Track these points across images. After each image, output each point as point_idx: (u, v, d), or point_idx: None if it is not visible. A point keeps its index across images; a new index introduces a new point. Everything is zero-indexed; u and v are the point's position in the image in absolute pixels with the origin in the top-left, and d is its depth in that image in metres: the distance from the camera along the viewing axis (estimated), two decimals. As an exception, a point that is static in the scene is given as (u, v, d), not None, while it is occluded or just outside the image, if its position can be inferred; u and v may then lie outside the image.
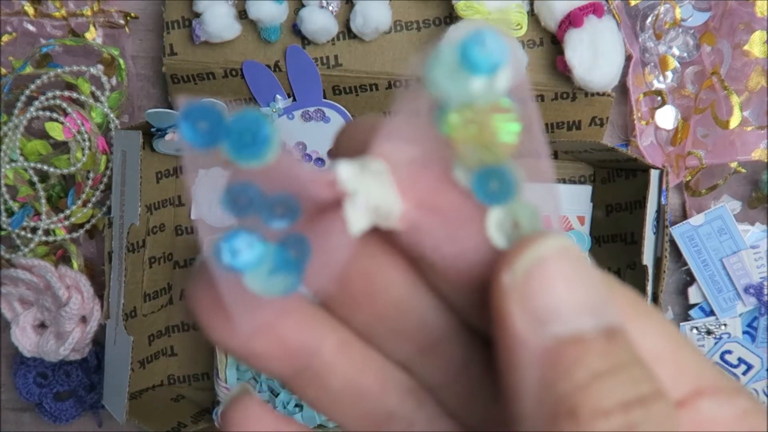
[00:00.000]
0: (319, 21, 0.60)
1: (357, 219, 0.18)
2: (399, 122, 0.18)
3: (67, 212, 0.62)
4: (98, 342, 0.64)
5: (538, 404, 0.17)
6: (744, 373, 0.65)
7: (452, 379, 0.22)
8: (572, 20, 0.60)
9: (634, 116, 0.65)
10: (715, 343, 0.65)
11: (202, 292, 0.21)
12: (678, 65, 0.65)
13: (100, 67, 0.63)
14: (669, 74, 0.65)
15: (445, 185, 0.19)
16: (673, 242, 0.65)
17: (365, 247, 0.20)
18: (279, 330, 0.21)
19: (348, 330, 0.22)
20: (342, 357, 0.22)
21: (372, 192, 0.18)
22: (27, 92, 0.61)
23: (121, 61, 0.63)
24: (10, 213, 0.62)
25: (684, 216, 0.66)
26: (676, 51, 0.65)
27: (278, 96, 0.62)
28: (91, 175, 0.62)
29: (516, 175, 0.18)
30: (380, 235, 0.20)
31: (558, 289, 0.17)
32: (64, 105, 0.61)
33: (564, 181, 0.66)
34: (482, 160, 0.18)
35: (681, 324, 0.66)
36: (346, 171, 0.18)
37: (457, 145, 0.18)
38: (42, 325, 0.64)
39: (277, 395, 0.61)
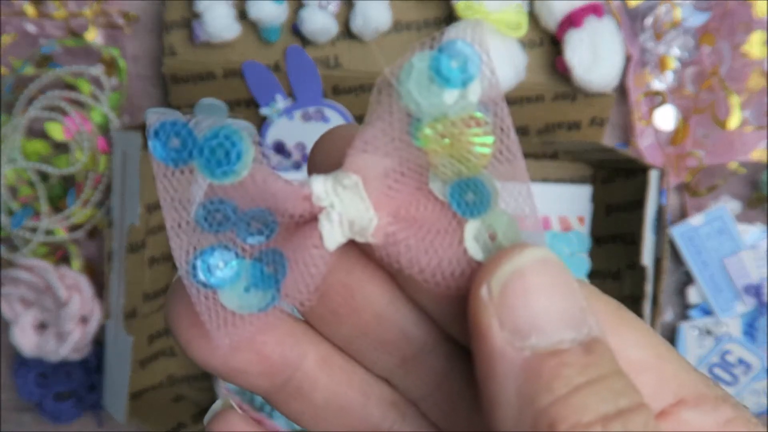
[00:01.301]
0: (319, 21, 0.60)
1: (332, 233, 0.18)
2: (373, 134, 0.18)
3: (67, 212, 0.62)
4: (98, 342, 0.64)
5: (518, 417, 0.16)
6: (744, 374, 0.65)
7: (434, 391, 0.22)
8: (572, 20, 0.60)
9: (634, 116, 0.65)
10: (715, 344, 0.65)
11: (180, 309, 0.21)
12: (678, 65, 0.65)
13: (100, 67, 0.63)
14: (669, 74, 0.65)
15: (420, 197, 0.19)
16: (672, 242, 0.65)
17: (344, 261, 0.20)
18: (259, 345, 0.21)
19: (329, 344, 0.22)
20: (324, 371, 0.22)
21: (347, 206, 0.18)
22: (27, 92, 0.61)
23: (121, 61, 0.63)
24: (11, 213, 0.62)
25: (684, 216, 0.66)
26: (676, 51, 0.65)
27: (278, 96, 0.62)
28: (91, 175, 0.62)
29: (491, 187, 0.18)
30: (359, 249, 0.20)
31: (536, 302, 0.17)
32: (64, 105, 0.61)
33: (564, 181, 0.66)
34: (457, 171, 0.18)
35: (680, 324, 0.66)
36: (320, 186, 0.18)
37: (432, 157, 0.18)
38: (42, 325, 0.64)
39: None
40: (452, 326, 0.20)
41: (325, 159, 0.20)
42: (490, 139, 0.17)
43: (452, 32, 0.17)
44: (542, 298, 0.17)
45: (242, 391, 0.62)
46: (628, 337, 0.19)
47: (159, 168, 0.18)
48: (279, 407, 0.22)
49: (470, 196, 0.18)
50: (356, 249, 0.20)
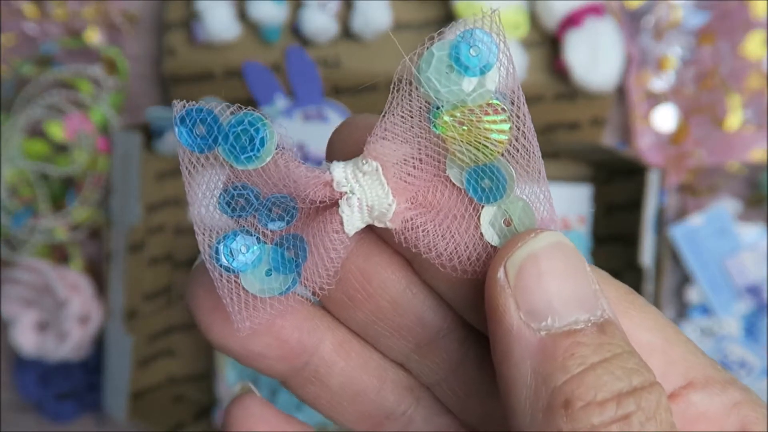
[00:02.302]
0: (319, 21, 0.60)
1: (352, 218, 0.19)
2: (393, 121, 0.18)
3: (67, 212, 0.62)
4: (98, 342, 0.64)
5: (534, 396, 0.17)
6: (744, 374, 0.65)
7: (448, 376, 0.22)
8: (572, 20, 0.60)
9: (634, 116, 0.65)
10: (715, 344, 0.65)
11: (201, 294, 0.21)
12: (678, 65, 0.65)
13: (100, 67, 0.63)
14: (669, 74, 0.65)
15: (438, 183, 0.19)
16: (672, 242, 0.65)
17: (361, 247, 0.21)
18: (278, 330, 0.21)
19: (346, 329, 0.22)
20: (341, 356, 0.22)
21: (366, 192, 0.19)
22: (27, 92, 0.61)
23: (121, 61, 0.63)
24: (11, 213, 0.62)
25: (684, 216, 0.66)
26: (676, 51, 0.65)
27: (278, 96, 0.62)
28: (91, 175, 0.62)
29: (507, 173, 0.18)
30: (376, 235, 0.21)
31: (550, 284, 0.18)
32: (64, 105, 0.61)
33: (564, 181, 0.66)
34: (474, 158, 0.18)
35: (680, 324, 0.66)
36: (340, 172, 0.19)
37: (450, 143, 0.18)
38: (42, 325, 0.64)
39: (276, 396, 0.61)
40: (468, 311, 0.20)
41: (344, 146, 0.20)
42: (506, 126, 0.17)
43: (470, 22, 0.17)
44: (556, 280, 0.18)
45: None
46: (638, 321, 0.20)
47: (184, 154, 0.18)
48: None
49: (486, 182, 0.18)
50: (373, 235, 0.21)
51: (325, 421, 0.61)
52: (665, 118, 0.65)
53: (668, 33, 0.64)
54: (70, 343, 0.61)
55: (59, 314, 0.61)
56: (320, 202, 0.19)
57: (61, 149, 0.63)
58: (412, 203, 0.19)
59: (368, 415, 0.23)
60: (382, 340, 0.22)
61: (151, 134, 0.61)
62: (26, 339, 0.63)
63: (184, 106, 0.18)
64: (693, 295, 0.66)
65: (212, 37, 0.60)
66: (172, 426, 0.63)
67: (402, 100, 0.18)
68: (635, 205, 0.60)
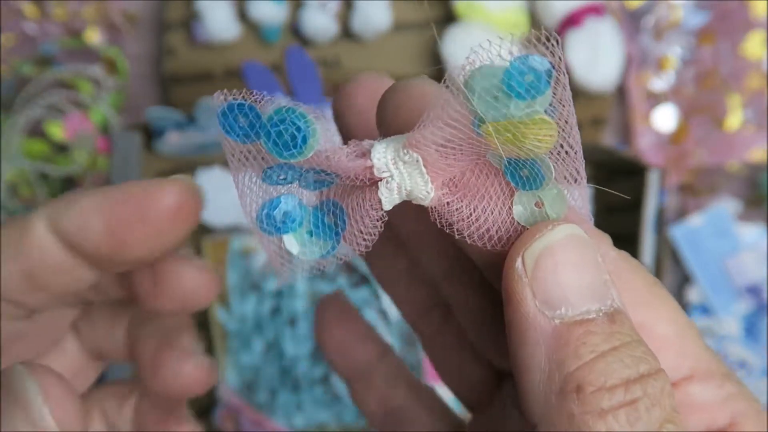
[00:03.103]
0: (319, 21, 0.60)
1: (391, 199, 0.19)
2: (437, 114, 0.18)
3: (67, 212, 0.62)
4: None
5: (548, 380, 0.18)
6: (744, 374, 0.65)
7: (468, 300, 0.25)
8: (572, 20, 0.60)
9: (634, 116, 0.65)
10: (715, 344, 0.65)
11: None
12: (678, 65, 0.65)
13: (100, 67, 0.63)
14: (669, 74, 0.65)
15: (476, 165, 0.20)
16: (672, 242, 0.65)
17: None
18: None
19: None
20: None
21: (406, 179, 0.19)
22: (27, 92, 0.61)
23: (121, 61, 0.63)
24: (11, 213, 0.62)
25: (684, 216, 0.66)
26: (676, 51, 0.65)
27: (278, 96, 0.62)
28: (91, 175, 0.62)
29: (547, 170, 0.19)
30: None
31: (565, 276, 0.19)
32: (64, 105, 0.61)
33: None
34: (516, 156, 0.19)
35: (681, 324, 0.66)
36: (381, 159, 0.19)
37: (492, 144, 0.18)
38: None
39: (276, 396, 0.61)
40: (495, 279, 0.21)
41: (394, 115, 0.21)
42: (551, 137, 0.18)
43: (526, 44, 0.17)
44: (571, 272, 0.19)
45: (242, 392, 0.62)
46: (656, 312, 0.21)
47: (227, 143, 0.18)
48: None
49: (525, 172, 0.19)
50: None
51: (325, 421, 0.61)
52: (665, 118, 0.65)
53: (668, 33, 0.64)
54: (70, 343, 0.61)
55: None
56: (361, 180, 0.19)
57: (61, 149, 0.63)
58: (449, 188, 0.20)
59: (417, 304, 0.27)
60: (424, 254, 0.25)
61: (151, 134, 0.61)
62: (26, 339, 0.63)
63: (226, 100, 0.18)
64: (693, 295, 0.66)
65: (212, 37, 0.60)
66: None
67: (444, 110, 0.18)
68: (635, 205, 0.60)
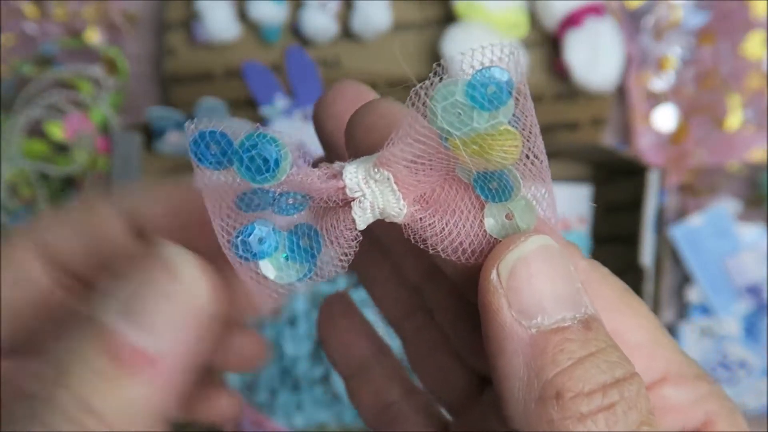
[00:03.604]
0: (319, 21, 0.60)
1: (364, 218, 0.20)
2: (405, 131, 0.19)
3: (67, 212, 0.62)
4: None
5: (527, 388, 0.18)
6: (744, 374, 0.65)
7: (446, 305, 0.25)
8: (572, 20, 0.60)
9: (634, 116, 0.65)
10: (715, 344, 0.65)
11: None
12: (678, 65, 0.65)
13: (100, 67, 0.63)
14: (669, 74, 0.65)
15: (445, 182, 0.20)
16: (672, 242, 0.65)
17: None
18: None
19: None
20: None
21: (377, 197, 0.20)
22: (27, 92, 0.61)
23: (121, 61, 0.63)
24: (10, 213, 0.62)
25: (684, 216, 0.66)
26: (676, 51, 0.65)
27: (278, 96, 0.62)
28: (91, 175, 0.62)
29: (515, 180, 0.19)
30: None
31: (539, 285, 0.19)
32: (64, 105, 0.61)
33: (564, 181, 0.66)
34: (483, 167, 0.19)
35: (680, 324, 0.66)
36: (352, 179, 0.19)
37: (460, 157, 0.18)
38: (42, 325, 0.64)
39: (276, 396, 0.61)
40: (469, 292, 0.21)
41: (363, 135, 0.21)
42: (516, 147, 0.18)
43: (486, 58, 0.17)
44: (545, 281, 0.19)
45: (242, 392, 0.62)
46: (627, 318, 0.21)
47: (200, 170, 0.19)
48: None
49: (494, 184, 0.19)
50: None
51: (325, 421, 0.61)
52: (665, 118, 0.65)
53: (668, 33, 0.64)
54: (70, 343, 0.61)
55: (59, 314, 0.61)
56: (333, 202, 0.20)
57: (61, 149, 0.63)
58: (420, 204, 0.20)
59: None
60: (404, 260, 0.26)
61: (151, 134, 0.61)
62: (26, 339, 0.63)
63: (197, 128, 0.18)
64: (693, 295, 0.66)
65: (212, 37, 0.60)
66: (172, 426, 0.63)
67: (411, 127, 0.18)
68: (635, 205, 0.60)
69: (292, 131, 0.63)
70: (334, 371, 0.60)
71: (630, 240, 0.61)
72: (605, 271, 0.22)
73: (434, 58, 0.62)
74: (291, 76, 0.62)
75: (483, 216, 0.20)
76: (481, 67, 0.17)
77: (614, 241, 0.63)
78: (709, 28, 0.64)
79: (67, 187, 0.64)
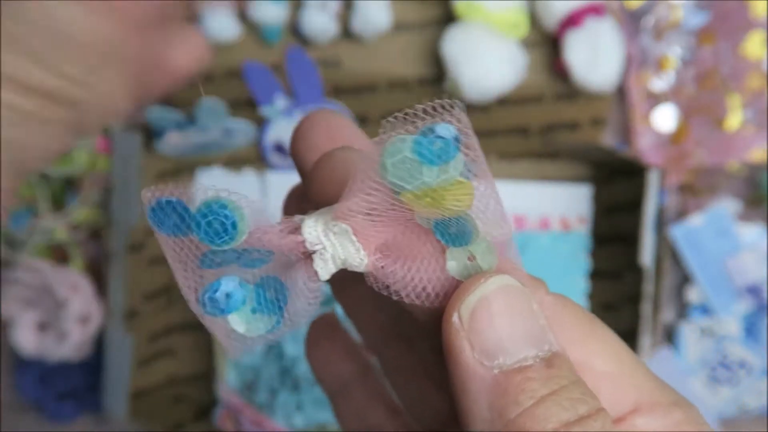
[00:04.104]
0: (319, 22, 0.60)
1: (326, 269, 0.20)
2: (360, 186, 0.19)
3: (67, 212, 0.62)
4: (98, 342, 0.64)
5: (490, 428, 0.18)
6: (744, 374, 0.65)
7: (422, 336, 0.25)
8: (572, 20, 0.60)
9: (634, 116, 0.65)
10: (715, 344, 0.65)
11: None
12: (678, 65, 0.65)
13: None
14: (669, 74, 0.65)
15: (406, 228, 0.20)
16: (672, 242, 0.65)
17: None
18: None
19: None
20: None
21: (338, 249, 0.20)
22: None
23: (121, 61, 0.63)
24: (11, 213, 0.62)
25: (684, 216, 0.66)
26: (676, 51, 0.65)
27: (278, 96, 0.62)
28: (91, 175, 0.62)
29: (472, 226, 0.19)
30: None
31: (500, 325, 0.19)
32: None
33: (564, 181, 0.66)
34: (439, 215, 0.19)
35: (680, 324, 0.66)
36: (311, 233, 0.20)
37: (415, 209, 0.19)
38: (42, 325, 0.64)
39: (276, 396, 0.61)
40: (436, 333, 0.22)
41: (322, 189, 0.22)
42: (469, 197, 0.19)
43: (432, 112, 0.18)
44: (505, 321, 0.19)
45: (242, 392, 0.62)
46: (594, 349, 0.21)
47: (161, 237, 0.19)
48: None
49: (453, 229, 0.20)
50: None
51: (325, 421, 0.61)
52: (665, 118, 0.65)
53: (668, 33, 0.64)
54: (70, 343, 0.61)
55: (59, 314, 0.61)
56: (295, 255, 0.20)
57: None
58: (381, 252, 0.20)
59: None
60: (364, 327, 0.27)
61: (151, 134, 0.61)
62: (26, 339, 0.63)
63: (153, 196, 0.19)
64: (693, 295, 0.66)
65: (212, 37, 0.60)
66: (172, 426, 0.63)
67: (363, 181, 0.19)
68: (635, 205, 0.60)
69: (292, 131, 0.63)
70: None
71: (630, 240, 0.61)
72: (571, 303, 0.22)
73: (434, 58, 0.62)
74: (291, 76, 0.62)
75: (445, 259, 0.20)
76: (426, 125, 0.18)
77: (614, 241, 0.63)
78: (709, 28, 0.64)
79: (67, 187, 0.64)
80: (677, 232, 0.65)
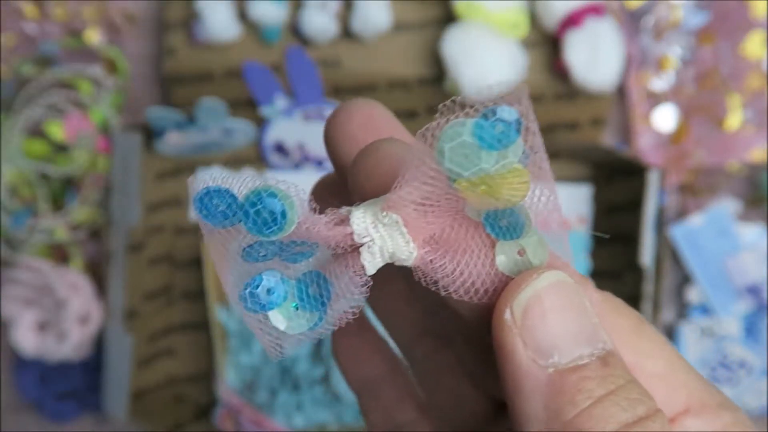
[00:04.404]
0: (319, 22, 0.60)
1: (373, 263, 0.19)
2: (412, 174, 0.19)
3: (67, 212, 0.62)
4: (98, 342, 0.64)
5: (546, 429, 0.18)
6: (744, 374, 0.65)
7: (463, 332, 0.25)
8: (572, 20, 0.60)
9: (634, 116, 0.65)
10: (715, 344, 0.65)
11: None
12: (678, 65, 0.65)
13: (100, 67, 0.63)
14: (669, 74, 0.65)
15: (455, 221, 0.20)
16: (672, 242, 0.65)
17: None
18: None
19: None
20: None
21: (386, 242, 0.19)
22: (27, 92, 0.61)
23: (121, 61, 0.63)
24: (10, 213, 0.62)
25: (684, 216, 0.66)
26: (676, 51, 0.65)
27: (278, 96, 0.62)
28: (91, 175, 0.62)
29: (525, 217, 0.19)
30: None
31: (554, 322, 0.19)
32: (64, 105, 0.61)
33: (564, 181, 0.66)
34: (493, 207, 0.19)
35: (680, 324, 0.66)
36: (360, 225, 0.19)
37: (469, 198, 0.18)
38: (42, 325, 0.64)
39: (276, 396, 0.61)
40: (485, 332, 0.21)
41: (370, 180, 0.21)
42: (525, 187, 0.18)
43: (493, 96, 0.17)
44: (558, 318, 0.19)
45: (242, 392, 0.62)
46: (644, 349, 0.21)
47: (207, 228, 0.19)
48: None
49: (504, 222, 0.19)
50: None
51: (325, 421, 0.61)
52: (665, 118, 0.65)
53: (668, 33, 0.64)
54: (70, 343, 0.61)
55: (59, 314, 0.61)
56: (341, 248, 0.20)
57: (61, 149, 0.63)
58: (430, 245, 0.20)
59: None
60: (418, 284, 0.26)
61: (151, 134, 0.61)
62: (26, 339, 0.63)
63: (202, 185, 0.18)
64: (693, 295, 0.66)
65: (212, 37, 0.60)
66: (172, 426, 0.63)
67: (418, 169, 0.18)
68: (635, 205, 0.60)
69: (292, 131, 0.63)
70: (334, 371, 0.60)
71: (630, 240, 0.61)
72: (619, 302, 0.22)
73: (434, 58, 0.62)
74: (291, 76, 0.62)
75: (494, 254, 0.20)
76: (488, 106, 0.17)
77: (614, 241, 0.63)
78: (709, 28, 0.64)
79: (67, 187, 0.64)
80: (677, 232, 0.65)
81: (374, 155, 0.21)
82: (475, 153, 0.17)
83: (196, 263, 0.63)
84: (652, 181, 0.58)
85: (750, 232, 0.65)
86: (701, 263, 0.65)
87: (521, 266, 0.20)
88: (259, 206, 0.18)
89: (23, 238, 0.62)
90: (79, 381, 0.66)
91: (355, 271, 0.19)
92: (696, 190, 0.65)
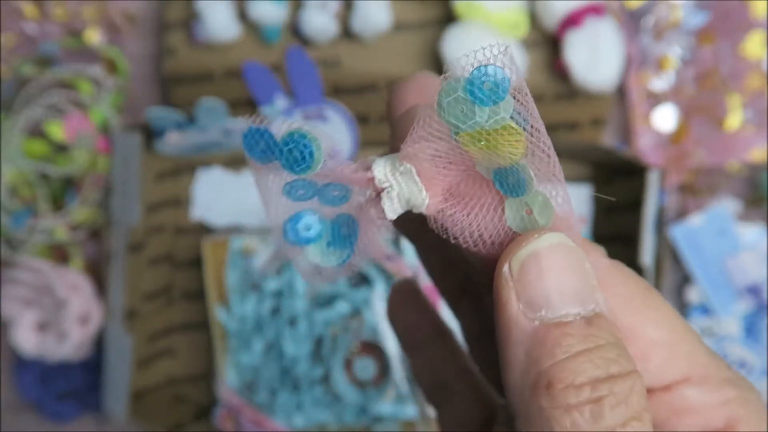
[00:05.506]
0: (319, 22, 0.60)
1: (393, 207, 0.22)
2: (420, 136, 0.21)
3: (67, 212, 0.62)
4: (98, 342, 0.64)
5: (524, 375, 0.19)
6: (744, 374, 0.65)
7: (474, 327, 0.28)
8: (572, 20, 0.60)
9: (634, 116, 0.65)
10: (715, 344, 0.65)
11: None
12: (678, 65, 0.65)
13: (100, 67, 0.63)
14: (669, 74, 0.65)
15: (468, 176, 0.21)
16: (672, 242, 0.65)
17: None
18: None
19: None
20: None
21: (403, 188, 0.21)
22: (27, 92, 0.61)
23: (121, 61, 0.63)
24: (10, 213, 0.62)
25: (684, 216, 0.66)
26: (676, 51, 0.65)
27: (278, 96, 0.62)
28: (91, 175, 0.62)
29: (527, 175, 0.20)
30: None
31: (548, 279, 0.20)
32: (64, 105, 0.61)
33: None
34: (497, 163, 0.20)
35: (681, 324, 0.66)
36: (380, 171, 0.22)
37: (473, 153, 0.20)
38: (42, 325, 0.64)
39: (276, 396, 0.61)
40: (492, 282, 0.23)
41: (402, 132, 0.23)
42: (521, 144, 0.20)
43: (485, 52, 0.19)
44: (553, 276, 0.20)
45: (242, 392, 0.62)
46: (648, 316, 0.22)
47: (252, 162, 0.21)
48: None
49: (511, 179, 0.21)
50: None
51: (325, 421, 0.61)
52: (665, 118, 0.65)
53: (668, 33, 0.64)
54: (70, 343, 0.61)
55: (59, 314, 0.61)
56: (368, 194, 0.22)
57: (61, 149, 0.63)
58: (443, 196, 0.22)
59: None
60: (440, 284, 0.29)
61: (151, 134, 0.61)
62: (26, 339, 0.63)
63: (248, 125, 0.21)
64: (693, 295, 0.66)
65: (212, 37, 0.60)
66: (172, 426, 0.63)
67: (425, 122, 0.20)
68: (635, 205, 0.60)
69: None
70: (334, 371, 0.60)
71: (630, 240, 0.61)
72: (628, 270, 0.22)
73: (434, 58, 0.62)
74: (291, 76, 0.62)
75: (504, 209, 0.21)
76: (477, 65, 0.19)
77: (614, 241, 0.63)
78: (709, 28, 0.64)
79: (67, 187, 0.64)
80: (677, 232, 0.65)
81: (408, 116, 0.23)
82: (470, 107, 0.19)
83: (196, 263, 0.63)
84: (652, 181, 0.58)
85: (750, 232, 0.65)
86: (701, 263, 0.65)
87: (528, 224, 0.21)
88: (291, 145, 0.21)
89: (23, 238, 0.62)
90: (79, 381, 0.66)
91: (377, 215, 0.22)
92: (696, 190, 0.65)
